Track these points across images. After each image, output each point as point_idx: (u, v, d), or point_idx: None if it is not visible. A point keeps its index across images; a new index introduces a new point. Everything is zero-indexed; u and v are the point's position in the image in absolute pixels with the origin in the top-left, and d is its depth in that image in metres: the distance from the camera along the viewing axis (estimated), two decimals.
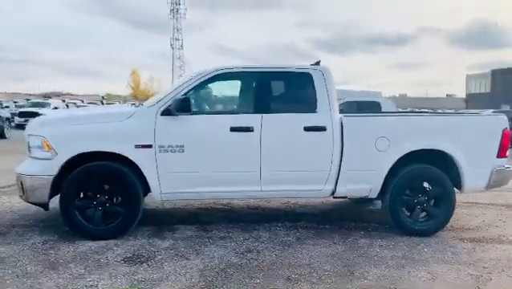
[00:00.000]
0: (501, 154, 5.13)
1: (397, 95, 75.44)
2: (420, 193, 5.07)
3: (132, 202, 4.63)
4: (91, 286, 3.55)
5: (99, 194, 4.61)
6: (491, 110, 19.77)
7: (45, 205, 4.67)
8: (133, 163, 4.60)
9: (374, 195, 5.07)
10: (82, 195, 4.64)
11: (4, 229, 4.92)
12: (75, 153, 4.49)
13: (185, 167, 4.68)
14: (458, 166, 5.03)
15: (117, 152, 4.55)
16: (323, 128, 4.81)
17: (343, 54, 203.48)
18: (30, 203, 4.78)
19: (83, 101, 48.69)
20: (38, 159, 4.59)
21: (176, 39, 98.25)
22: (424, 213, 5.12)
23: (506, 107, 41.67)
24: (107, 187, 4.63)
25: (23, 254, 4.20)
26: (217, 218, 5.57)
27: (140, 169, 4.61)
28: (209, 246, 4.52)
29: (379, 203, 6.33)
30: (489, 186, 5.22)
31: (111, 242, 4.56)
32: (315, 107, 4.89)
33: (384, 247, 4.68)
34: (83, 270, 3.84)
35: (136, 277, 3.74)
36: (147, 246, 4.50)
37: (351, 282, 3.77)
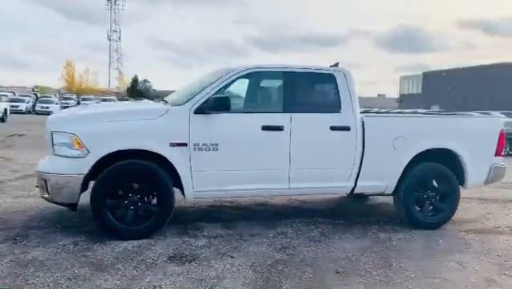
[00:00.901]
0: (498, 153, 5.62)
1: None
2: (429, 189, 5.44)
3: (164, 201, 4.57)
4: (154, 286, 3.50)
5: (130, 193, 4.51)
6: (424, 110, 21.26)
7: (73, 206, 4.49)
8: (165, 161, 4.54)
9: (389, 191, 5.36)
10: (113, 194, 4.50)
11: (21, 232, 4.65)
12: (110, 151, 4.36)
13: (219, 165, 4.69)
14: (463, 164, 5.45)
15: (152, 150, 4.48)
16: (347, 128, 5.02)
17: (278, 52, 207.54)
18: (56, 203, 4.57)
19: (14, 93, 45.71)
20: (66, 157, 4.39)
21: (114, 31, 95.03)
22: (431, 208, 5.49)
23: (436, 108, 44.70)
24: (138, 186, 4.53)
25: (61, 256, 4.01)
26: (235, 216, 5.61)
27: (171, 167, 4.57)
28: (244, 244, 4.57)
29: (373, 198, 6.75)
30: (487, 182, 5.71)
31: (144, 241, 4.47)
32: (339, 108, 5.09)
33: (403, 240, 4.98)
34: (134, 271, 3.76)
35: (192, 276, 3.73)
36: (183, 244, 4.47)
37: (395, 273, 4.01)
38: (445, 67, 58.50)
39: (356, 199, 6.88)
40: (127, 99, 40.24)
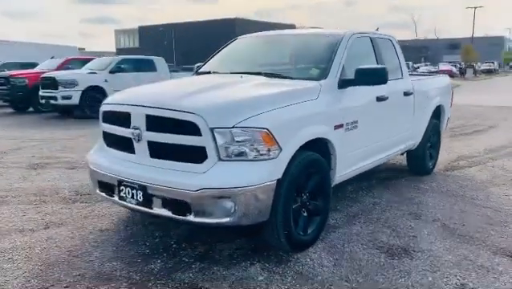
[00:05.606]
0: (451, 105, 6.95)
1: None
2: (430, 140, 6.30)
3: (328, 195, 3.86)
4: (462, 284, 3.16)
5: (302, 193, 3.60)
6: None
7: (258, 225, 3.27)
8: (320, 149, 3.80)
9: (414, 147, 5.92)
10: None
11: (134, 276, 3.08)
12: (299, 145, 3.35)
13: (357, 144, 4.24)
14: (442, 115, 6.53)
15: (326, 137, 3.68)
16: (411, 93, 5.27)
17: None
18: (235, 226, 3.21)
19: None
20: (246, 161, 3.11)
21: None
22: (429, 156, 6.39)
23: None
24: (308, 183, 3.65)
25: None
26: None
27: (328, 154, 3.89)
28: (385, 228, 4.25)
29: None
30: (444, 130, 7.00)
31: (318, 248, 3.73)
32: (401, 73, 5.25)
33: (454, 187, 5.68)
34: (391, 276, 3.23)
35: (441, 264, 3.49)
36: (352, 237, 3.96)
37: None
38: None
39: None
40: None
